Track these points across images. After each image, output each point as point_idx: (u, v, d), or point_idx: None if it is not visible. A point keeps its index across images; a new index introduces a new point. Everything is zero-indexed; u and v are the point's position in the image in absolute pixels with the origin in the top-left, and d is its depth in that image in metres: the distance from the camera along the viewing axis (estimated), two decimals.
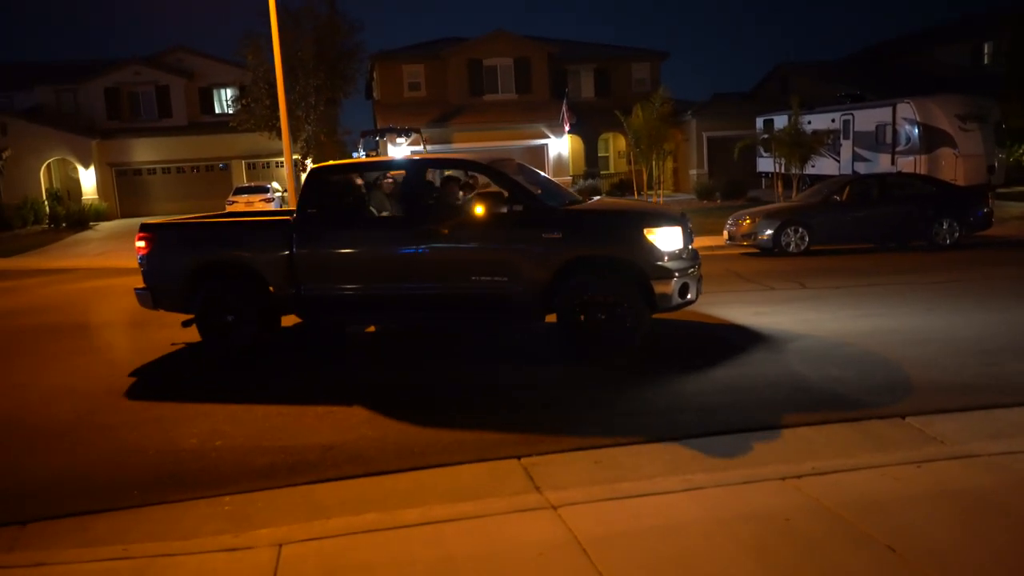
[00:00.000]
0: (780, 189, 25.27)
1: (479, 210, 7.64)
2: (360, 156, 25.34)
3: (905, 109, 21.42)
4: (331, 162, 10.09)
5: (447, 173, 8.88)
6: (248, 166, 36.57)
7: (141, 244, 8.35)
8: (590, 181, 29.77)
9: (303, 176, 35.03)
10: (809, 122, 24.29)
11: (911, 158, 20.96)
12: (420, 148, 26.81)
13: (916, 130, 21.05)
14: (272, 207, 27.17)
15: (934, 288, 10.79)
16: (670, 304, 7.49)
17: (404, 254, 7.78)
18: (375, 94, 35.97)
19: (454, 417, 6.13)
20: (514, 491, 4.56)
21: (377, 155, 26.80)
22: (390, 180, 9.37)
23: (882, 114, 22.40)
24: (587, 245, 7.54)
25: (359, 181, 9.09)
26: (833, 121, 24.41)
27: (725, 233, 15.73)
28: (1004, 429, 5.26)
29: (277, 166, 35.54)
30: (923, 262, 13.27)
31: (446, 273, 7.66)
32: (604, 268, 7.52)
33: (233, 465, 5.34)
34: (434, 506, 4.38)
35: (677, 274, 7.40)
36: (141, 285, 8.48)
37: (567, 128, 29.03)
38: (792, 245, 14.65)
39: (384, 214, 8.71)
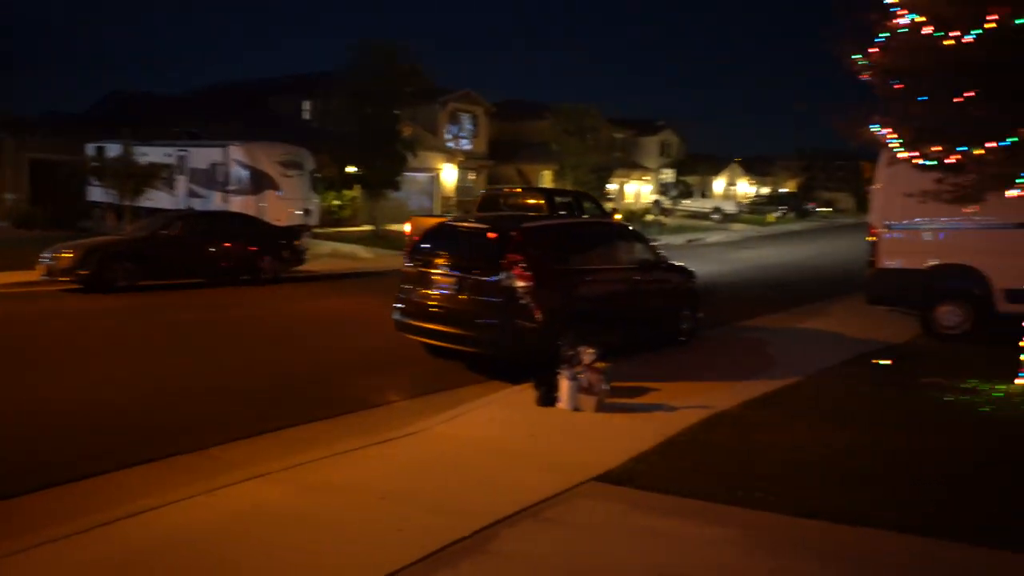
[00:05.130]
0: (115, 221, 24.09)
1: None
2: None
3: (235, 152, 22.69)
4: None
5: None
6: None
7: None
8: None
9: None
10: (146, 154, 23.80)
11: (242, 198, 22.24)
12: None
13: (246, 172, 22.51)
14: None
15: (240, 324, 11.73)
16: None
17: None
18: None
19: None
20: None
21: None
22: None
23: (216, 154, 23.26)
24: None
25: None
26: (169, 156, 24.37)
27: (43, 267, 14.18)
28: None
29: None
30: (238, 296, 14.33)
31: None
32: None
33: None
34: None
35: None
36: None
37: None
38: (120, 279, 14.03)
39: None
